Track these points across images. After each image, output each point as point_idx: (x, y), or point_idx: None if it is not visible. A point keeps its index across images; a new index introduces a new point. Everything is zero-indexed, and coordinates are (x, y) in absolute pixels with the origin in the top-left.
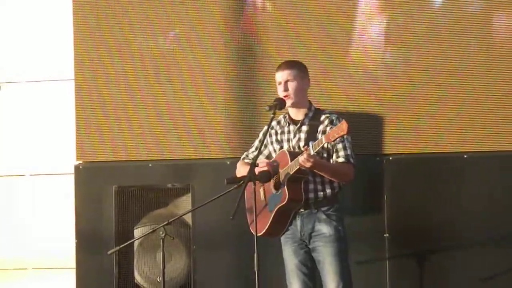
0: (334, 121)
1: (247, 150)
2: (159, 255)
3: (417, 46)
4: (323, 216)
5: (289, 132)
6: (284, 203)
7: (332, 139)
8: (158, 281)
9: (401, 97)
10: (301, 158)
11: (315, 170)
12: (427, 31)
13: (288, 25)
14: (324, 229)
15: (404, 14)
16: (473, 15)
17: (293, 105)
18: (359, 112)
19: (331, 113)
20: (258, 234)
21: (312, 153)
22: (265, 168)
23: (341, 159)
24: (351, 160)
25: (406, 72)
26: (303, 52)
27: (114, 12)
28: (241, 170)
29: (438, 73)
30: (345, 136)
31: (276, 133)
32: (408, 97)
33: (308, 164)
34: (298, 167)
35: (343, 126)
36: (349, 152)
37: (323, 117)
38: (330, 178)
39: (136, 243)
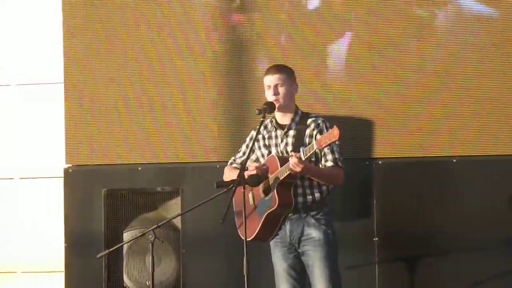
0: (320, 125)
1: (235, 154)
2: (149, 259)
3: (407, 51)
4: (312, 221)
5: (276, 137)
6: (274, 208)
7: (324, 145)
8: (147, 285)
9: (391, 101)
10: (291, 163)
11: (306, 175)
12: (416, 35)
13: (278, 28)
14: (313, 233)
15: (393, 18)
16: (464, 21)
17: (281, 109)
18: (348, 116)
19: (317, 116)
20: (247, 239)
21: (303, 158)
22: (255, 172)
23: (329, 163)
24: (339, 163)
25: (395, 76)
26: (294, 56)
27: (104, 16)
28: (229, 174)
29: (428, 78)
30: None
31: (264, 138)
32: (398, 101)
33: (298, 169)
34: (288, 172)
35: (334, 133)
36: (337, 155)
37: (309, 120)
38: (321, 182)
39: (125, 247)
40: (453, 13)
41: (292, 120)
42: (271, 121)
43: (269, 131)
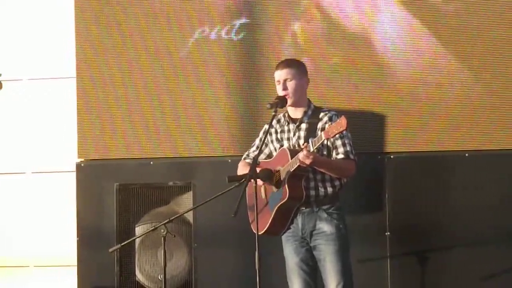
0: (333, 118)
1: (248, 148)
2: (160, 253)
3: (419, 45)
4: (325, 215)
5: (288, 131)
6: (284, 200)
7: (332, 135)
8: (159, 279)
9: (403, 96)
10: (301, 155)
11: (315, 167)
12: (428, 30)
13: (290, 24)
14: (325, 227)
15: (405, 13)
16: (473, 16)
17: (292, 104)
18: (360, 111)
19: (329, 110)
20: (259, 233)
21: (311, 149)
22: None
23: (340, 156)
24: (351, 156)
25: (407, 70)
26: (305, 51)
27: (116, 10)
28: (242, 169)
29: (439, 72)
30: (344, 134)
31: (276, 132)
32: (410, 95)
33: (307, 161)
34: (298, 164)
35: (342, 122)
36: (348, 148)
37: (321, 114)
38: (331, 174)
39: (137, 241)
40: (465, 8)
41: (305, 113)
42: (284, 115)
43: (282, 125)
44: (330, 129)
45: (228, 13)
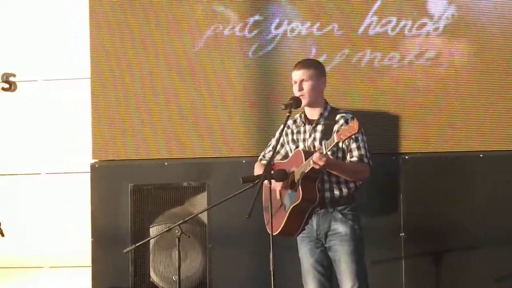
0: (349, 121)
1: (263, 149)
2: (175, 254)
3: (433, 46)
4: (339, 215)
5: (304, 132)
6: (298, 202)
7: (344, 138)
8: (173, 280)
9: (418, 97)
10: (314, 157)
11: (328, 169)
12: (443, 31)
13: (304, 23)
14: (340, 228)
15: (421, 11)
16: (490, 15)
17: (308, 105)
18: (375, 111)
19: (346, 112)
20: (273, 234)
21: (324, 152)
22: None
23: (354, 159)
24: (365, 159)
25: (423, 71)
26: (319, 51)
27: (131, 11)
28: (258, 171)
29: (455, 73)
30: (359, 138)
31: (292, 133)
32: (425, 96)
33: (320, 163)
34: (311, 166)
35: (354, 125)
36: (363, 152)
37: (338, 116)
38: (344, 177)
39: (151, 242)
40: (475, 10)
41: (321, 115)
42: (300, 116)
43: (298, 126)
44: (343, 132)
45: (242, 10)
